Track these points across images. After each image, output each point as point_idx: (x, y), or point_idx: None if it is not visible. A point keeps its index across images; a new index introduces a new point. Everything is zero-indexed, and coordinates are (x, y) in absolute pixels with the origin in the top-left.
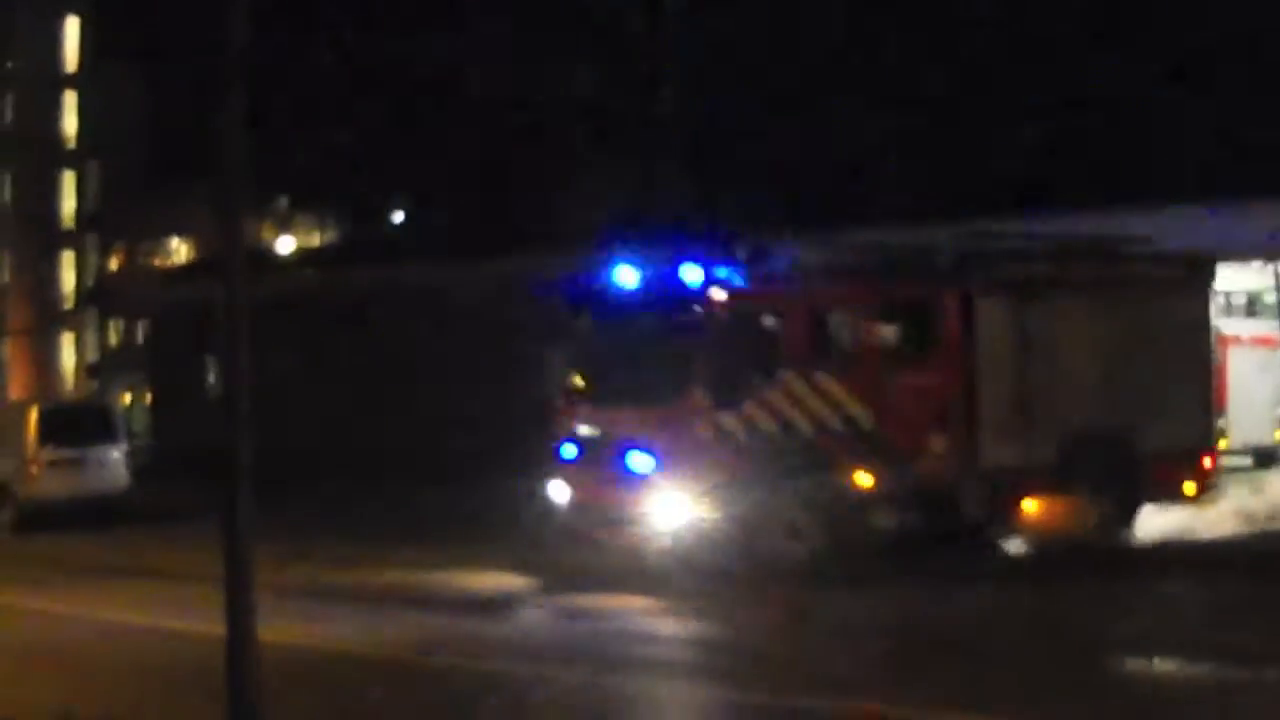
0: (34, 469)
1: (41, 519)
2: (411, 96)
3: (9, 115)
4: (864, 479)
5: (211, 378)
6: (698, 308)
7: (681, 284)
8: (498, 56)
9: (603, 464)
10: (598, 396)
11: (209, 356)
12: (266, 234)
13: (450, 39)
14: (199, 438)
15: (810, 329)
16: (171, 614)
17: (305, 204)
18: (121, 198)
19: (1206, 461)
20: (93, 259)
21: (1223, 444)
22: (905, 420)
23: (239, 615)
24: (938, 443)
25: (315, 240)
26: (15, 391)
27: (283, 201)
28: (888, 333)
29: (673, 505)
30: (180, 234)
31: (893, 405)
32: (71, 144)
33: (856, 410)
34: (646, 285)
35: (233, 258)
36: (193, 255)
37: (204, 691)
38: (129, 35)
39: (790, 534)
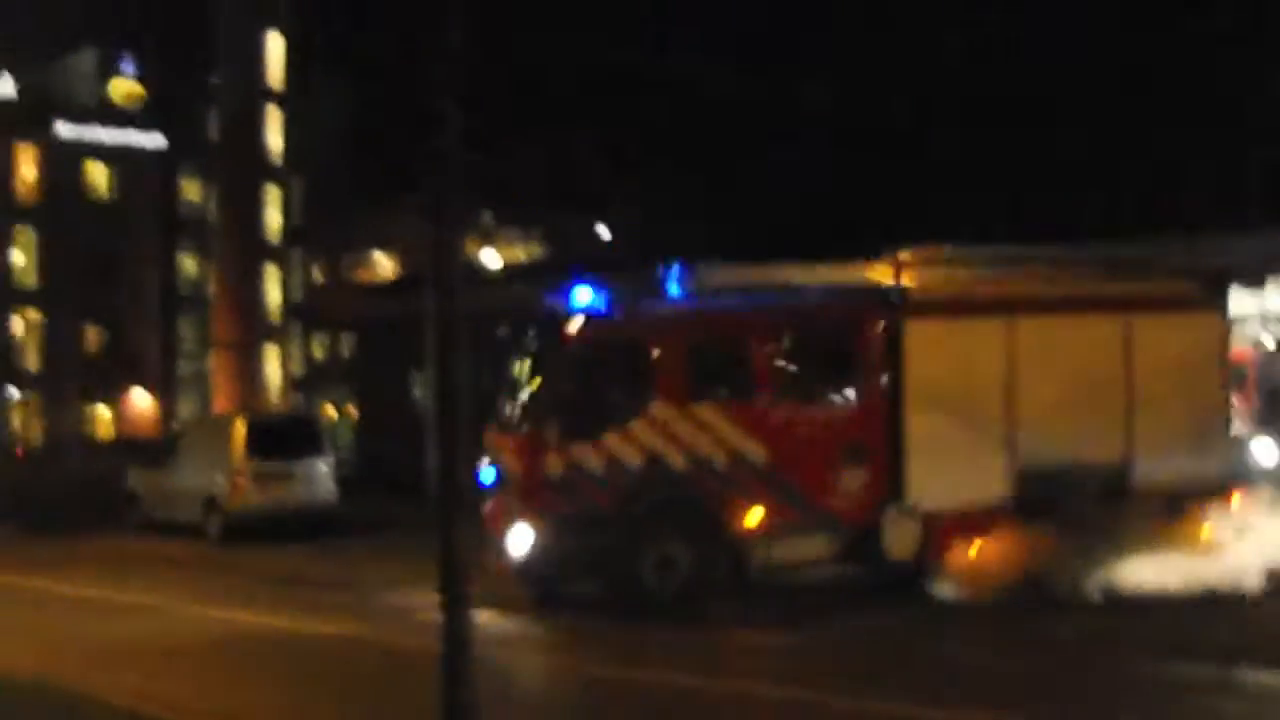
0: (240, 481)
1: (248, 530)
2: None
3: (214, 131)
4: (753, 516)
5: (416, 392)
6: (558, 335)
7: (571, 309)
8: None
9: (495, 491)
10: (499, 422)
11: (414, 370)
12: (470, 248)
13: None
14: (404, 451)
15: (688, 358)
16: (364, 624)
17: (509, 218)
18: (326, 212)
19: (1232, 501)
20: (298, 273)
21: None
22: (812, 454)
23: (456, 627)
24: (853, 478)
25: (519, 255)
26: (220, 404)
27: (487, 216)
28: (792, 360)
29: (525, 535)
30: (384, 247)
31: (795, 438)
32: (276, 159)
33: (746, 444)
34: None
35: (447, 272)
36: (397, 269)
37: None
38: (332, 50)
39: (660, 567)
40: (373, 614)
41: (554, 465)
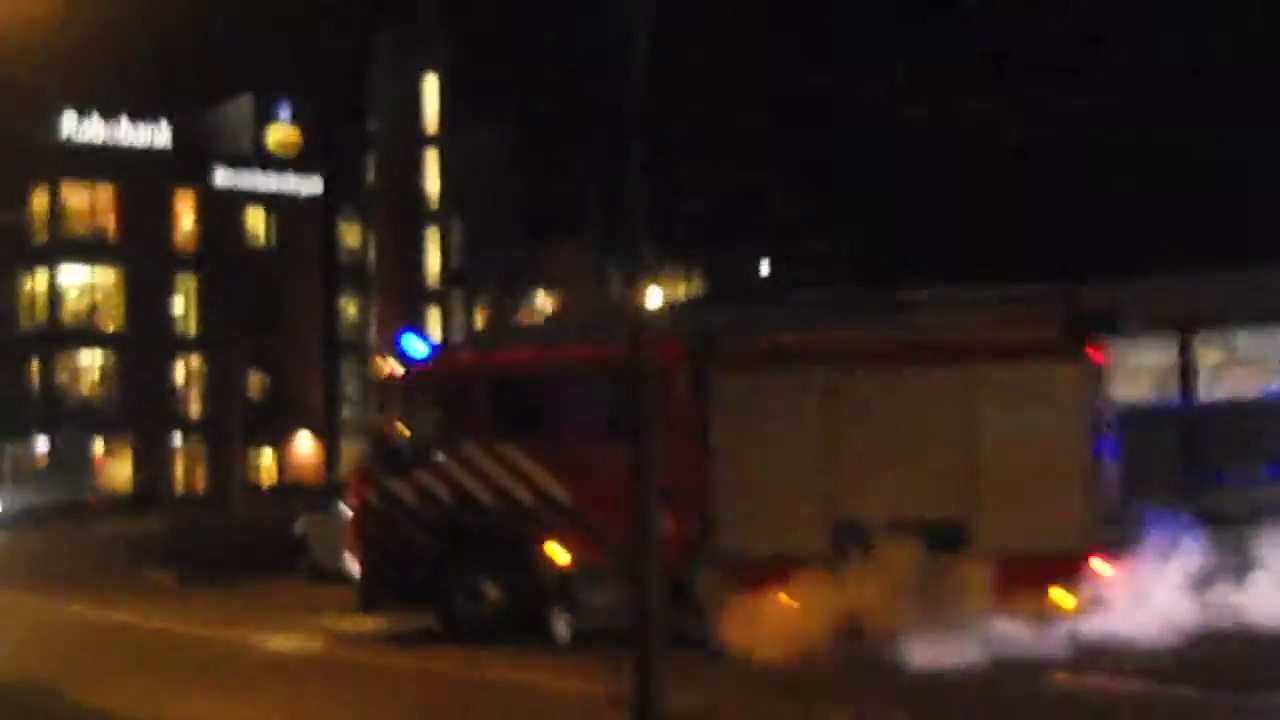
0: None
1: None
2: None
3: (371, 175)
4: (559, 555)
5: None
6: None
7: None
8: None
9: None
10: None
11: None
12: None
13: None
14: None
15: (494, 400)
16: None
17: (671, 255)
18: (486, 253)
19: (1091, 565)
20: (459, 315)
21: None
22: (615, 497)
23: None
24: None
25: (680, 291)
26: None
27: (647, 252)
28: (594, 404)
29: (353, 564)
30: (545, 287)
31: (601, 480)
32: (434, 201)
33: (550, 484)
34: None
35: (635, 308)
36: (557, 308)
37: None
38: (489, 92)
39: (470, 598)
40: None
41: (376, 498)
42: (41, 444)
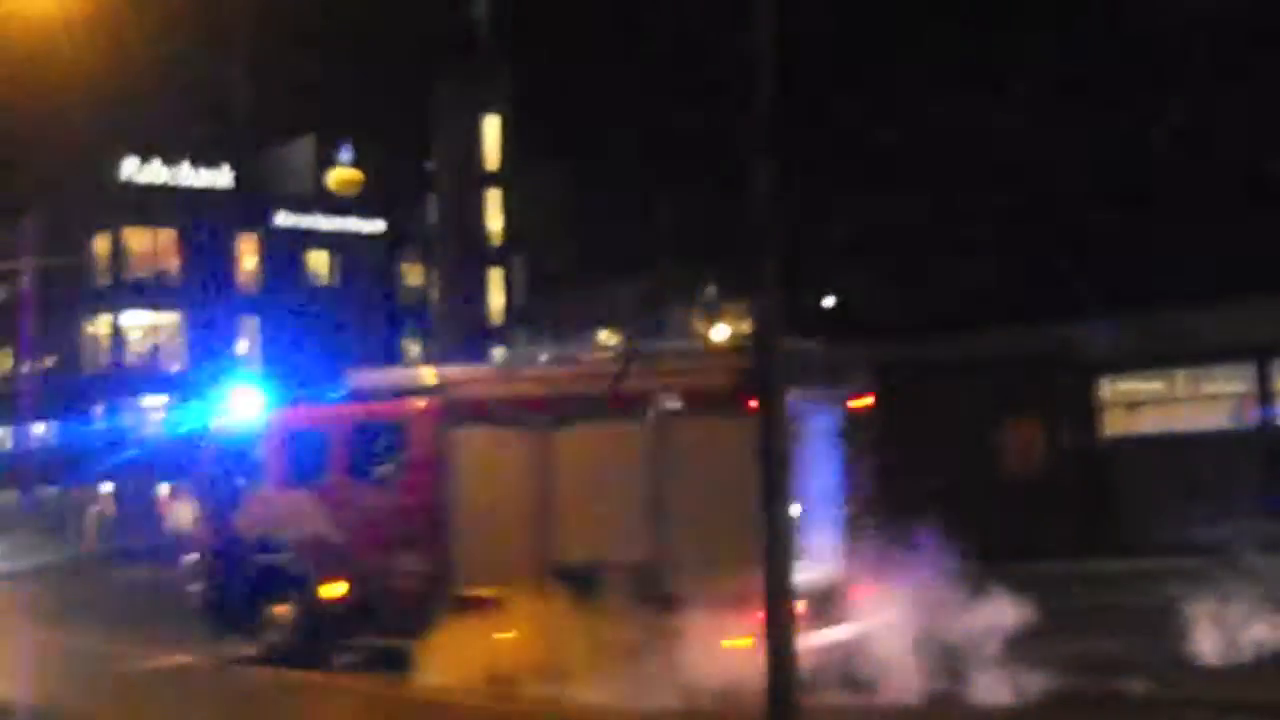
0: None
1: None
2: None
3: (433, 215)
4: (335, 589)
5: None
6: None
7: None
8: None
9: None
10: None
11: None
12: (697, 323)
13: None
14: None
15: (284, 448)
16: None
17: (734, 291)
18: (548, 291)
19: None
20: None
21: None
22: (376, 539)
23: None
24: (409, 564)
25: (745, 328)
26: None
27: (711, 290)
28: (359, 453)
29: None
30: (608, 325)
31: (364, 523)
32: (495, 240)
33: (328, 524)
34: None
35: (767, 334)
36: (623, 345)
37: None
38: (549, 132)
39: (274, 628)
40: None
41: (201, 532)
42: (107, 487)
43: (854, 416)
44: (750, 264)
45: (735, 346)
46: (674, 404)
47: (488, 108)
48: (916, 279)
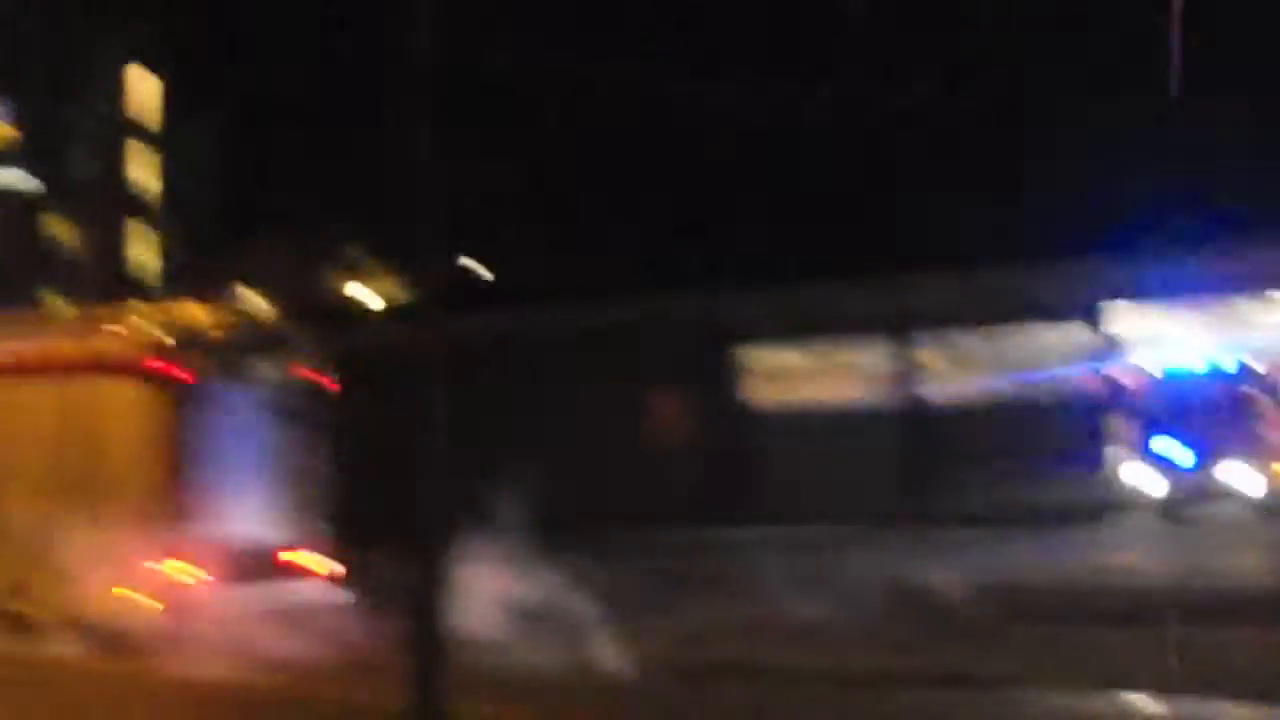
0: None
1: None
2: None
3: (85, 170)
4: None
5: None
6: None
7: None
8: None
9: None
10: None
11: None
12: (346, 285)
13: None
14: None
15: None
16: None
17: (385, 257)
18: (193, 250)
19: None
20: (166, 312)
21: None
22: None
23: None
24: None
25: (397, 291)
26: None
27: (360, 253)
28: None
29: None
30: (252, 285)
31: None
32: (148, 199)
33: None
34: None
35: (428, 304)
36: (269, 307)
37: None
38: (204, 87)
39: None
40: None
41: None
42: None
43: (301, 389)
44: (404, 230)
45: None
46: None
47: (141, 63)
48: (563, 245)
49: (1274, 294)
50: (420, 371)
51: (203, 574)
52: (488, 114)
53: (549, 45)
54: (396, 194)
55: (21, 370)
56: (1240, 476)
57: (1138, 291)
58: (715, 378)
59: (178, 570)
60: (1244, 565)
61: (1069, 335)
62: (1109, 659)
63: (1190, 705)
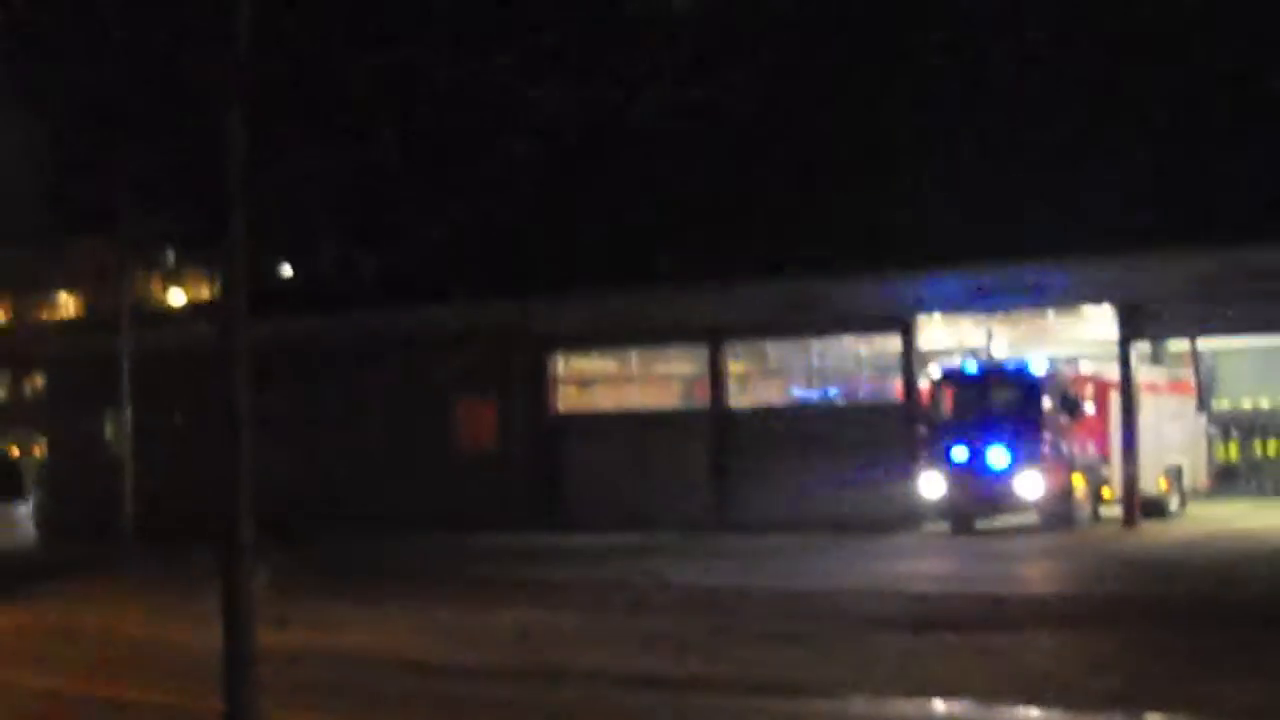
0: None
1: None
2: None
3: None
4: None
5: (107, 431)
6: None
7: None
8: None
9: None
10: None
11: (106, 408)
12: (155, 288)
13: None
14: (96, 492)
15: None
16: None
17: (194, 257)
18: (10, 251)
19: None
20: None
21: (1107, 491)
22: None
23: (239, 689)
24: None
25: (205, 293)
26: None
27: (170, 255)
28: None
29: None
30: (71, 288)
31: None
32: None
33: None
34: None
35: (233, 304)
36: (81, 309)
37: None
38: (25, 81)
39: None
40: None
41: None
42: None
43: None
44: (217, 227)
45: None
46: None
47: None
48: (381, 248)
49: (1078, 307)
50: (228, 371)
51: None
52: (305, 113)
53: (369, 42)
54: (212, 192)
55: None
56: (1031, 485)
57: (945, 304)
58: (526, 384)
59: None
60: (1027, 575)
61: (878, 345)
62: (903, 663)
63: (989, 709)
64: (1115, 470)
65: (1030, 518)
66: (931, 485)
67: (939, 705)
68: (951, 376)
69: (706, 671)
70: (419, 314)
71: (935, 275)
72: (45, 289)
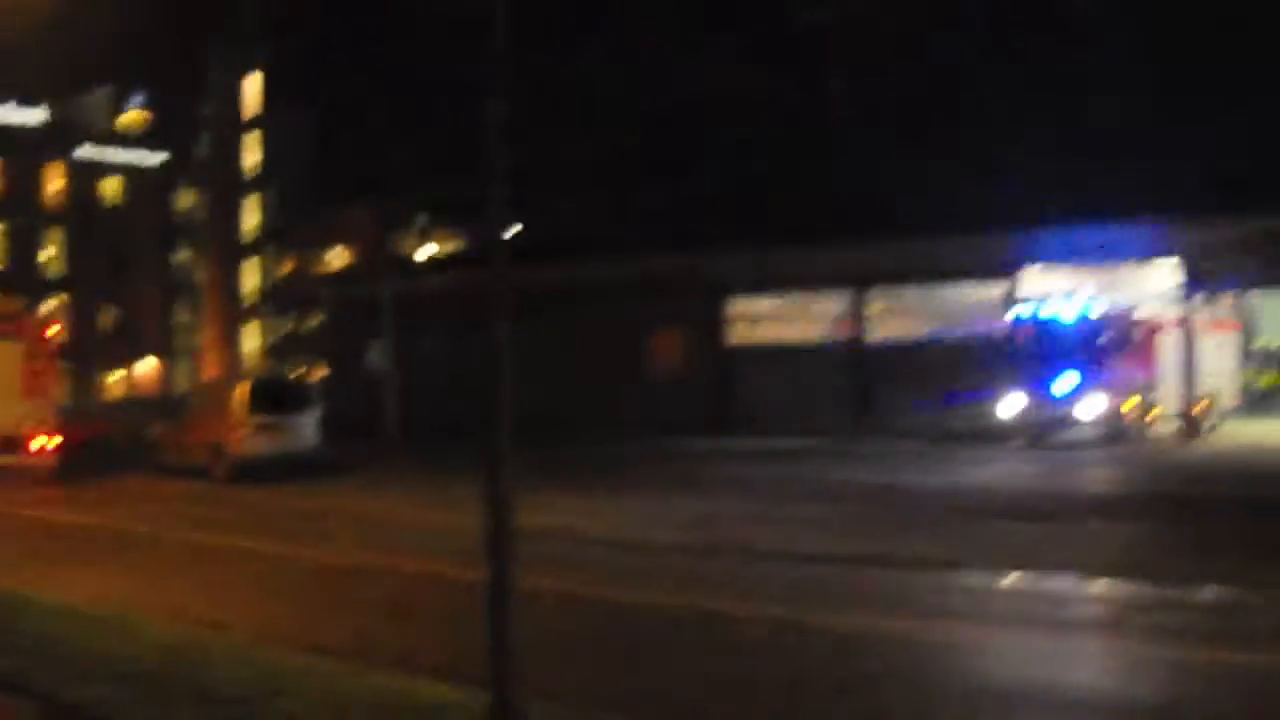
0: (242, 432)
1: (249, 473)
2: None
3: (204, 150)
4: None
5: (371, 356)
6: None
7: None
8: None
9: None
10: None
11: (370, 340)
12: (409, 245)
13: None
14: (362, 405)
15: None
16: (351, 549)
17: (440, 218)
18: (293, 216)
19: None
20: (272, 265)
21: (1156, 411)
22: None
23: (500, 559)
24: None
25: (449, 248)
26: (209, 371)
27: (423, 218)
28: None
29: None
30: (340, 244)
31: None
32: (253, 173)
33: None
34: None
35: (497, 254)
36: (350, 261)
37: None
38: (302, 82)
39: None
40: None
41: None
42: None
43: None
44: (481, 196)
45: None
46: None
47: (250, 65)
48: (588, 213)
49: (1150, 260)
50: (493, 310)
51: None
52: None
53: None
54: (477, 163)
55: None
56: (1088, 409)
57: (1044, 258)
58: (706, 322)
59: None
60: (1092, 478)
61: (990, 291)
62: (1015, 545)
63: (1089, 581)
64: (1162, 395)
65: (1088, 434)
66: (1009, 408)
67: (1051, 579)
68: (1025, 319)
69: (864, 550)
70: (624, 266)
71: (1035, 234)
72: (323, 246)
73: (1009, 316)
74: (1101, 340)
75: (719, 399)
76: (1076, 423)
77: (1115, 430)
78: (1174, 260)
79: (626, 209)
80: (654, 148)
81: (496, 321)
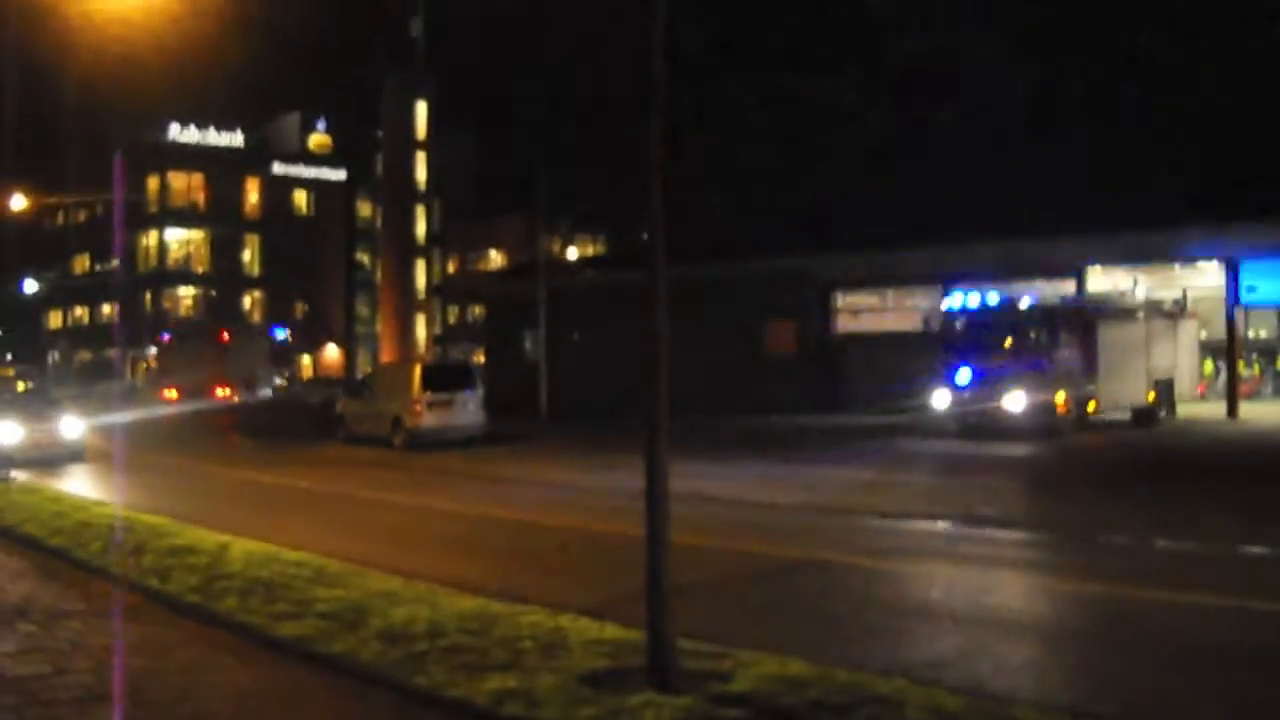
0: (418, 407)
1: (423, 442)
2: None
3: (380, 168)
4: None
5: (526, 344)
6: None
7: None
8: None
9: None
10: None
11: (526, 330)
12: (557, 247)
13: None
14: (518, 387)
15: None
16: (512, 508)
17: (582, 225)
18: (456, 222)
19: None
20: (437, 264)
21: (1091, 406)
22: None
23: (655, 514)
24: None
25: (589, 250)
26: (386, 355)
27: (568, 223)
28: None
29: None
30: (498, 248)
31: None
32: (422, 186)
33: None
34: None
35: (655, 254)
36: (507, 262)
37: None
38: (464, 109)
39: None
40: (509, 501)
41: None
42: (151, 350)
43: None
44: (639, 203)
45: None
46: None
47: (418, 94)
48: (722, 220)
49: (1195, 262)
50: (650, 301)
51: None
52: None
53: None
54: (619, 177)
55: None
56: (1015, 401)
57: (1105, 259)
58: (816, 311)
59: None
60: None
61: (1058, 288)
62: (1067, 510)
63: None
64: (1100, 387)
65: (1019, 425)
66: (940, 401)
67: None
68: (955, 313)
69: (961, 513)
70: (742, 265)
71: (1097, 238)
72: (482, 248)
73: (942, 309)
74: (1034, 334)
75: (827, 380)
76: (1003, 416)
77: (1044, 425)
78: (1215, 262)
79: (755, 214)
80: (777, 161)
81: (657, 310)
